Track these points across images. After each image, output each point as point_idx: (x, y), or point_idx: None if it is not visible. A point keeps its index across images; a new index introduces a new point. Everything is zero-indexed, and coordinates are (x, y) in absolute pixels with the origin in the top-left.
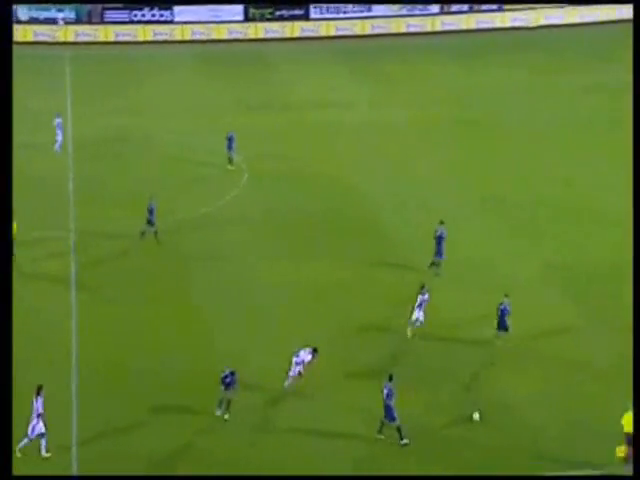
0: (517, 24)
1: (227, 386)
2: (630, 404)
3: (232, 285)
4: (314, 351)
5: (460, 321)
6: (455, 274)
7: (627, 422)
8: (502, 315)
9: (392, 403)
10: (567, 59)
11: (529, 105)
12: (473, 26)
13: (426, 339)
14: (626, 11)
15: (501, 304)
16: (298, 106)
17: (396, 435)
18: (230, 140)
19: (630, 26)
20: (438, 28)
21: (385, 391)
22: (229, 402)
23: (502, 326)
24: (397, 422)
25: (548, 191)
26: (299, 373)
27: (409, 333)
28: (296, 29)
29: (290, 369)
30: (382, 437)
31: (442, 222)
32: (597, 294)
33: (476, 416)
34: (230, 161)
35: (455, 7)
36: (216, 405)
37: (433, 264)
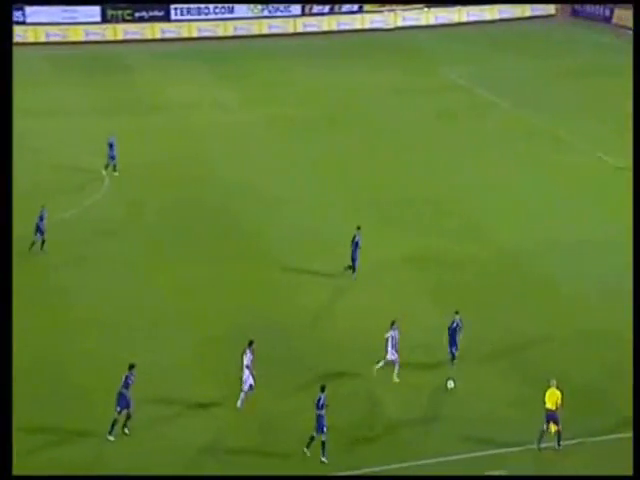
0: (376, 25)
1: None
2: (554, 381)
3: (103, 290)
4: (250, 345)
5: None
6: (330, 271)
7: (549, 399)
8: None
9: (323, 413)
10: (423, 60)
11: (389, 104)
12: (334, 27)
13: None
14: (480, 14)
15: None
16: (164, 108)
17: (320, 450)
18: (111, 146)
19: (487, 27)
20: (300, 29)
21: (319, 402)
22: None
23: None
24: (325, 436)
25: (413, 187)
26: (250, 387)
27: (375, 372)
28: (156, 30)
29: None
30: (308, 454)
31: (359, 228)
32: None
33: (450, 384)
34: (108, 167)
35: (316, 9)
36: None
37: (349, 268)
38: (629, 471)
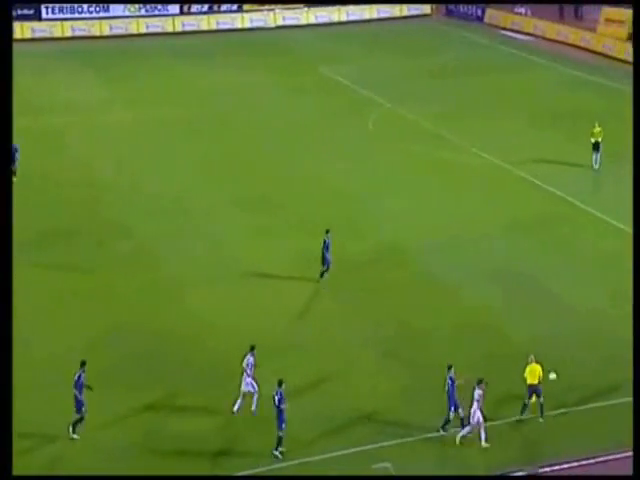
0: (256, 25)
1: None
2: (532, 356)
3: None
4: (251, 350)
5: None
6: (215, 272)
7: (531, 374)
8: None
9: (284, 408)
10: (304, 59)
11: (272, 102)
12: (214, 27)
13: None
14: (360, 13)
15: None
16: (39, 110)
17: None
18: (14, 152)
19: (367, 26)
20: (179, 29)
21: (277, 397)
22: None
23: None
24: (283, 432)
25: (299, 186)
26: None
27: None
28: (26, 30)
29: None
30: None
31: (328, 231)
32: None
33: (552, 375)
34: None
35: (195, 8)
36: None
37: (325, 271)
38: None
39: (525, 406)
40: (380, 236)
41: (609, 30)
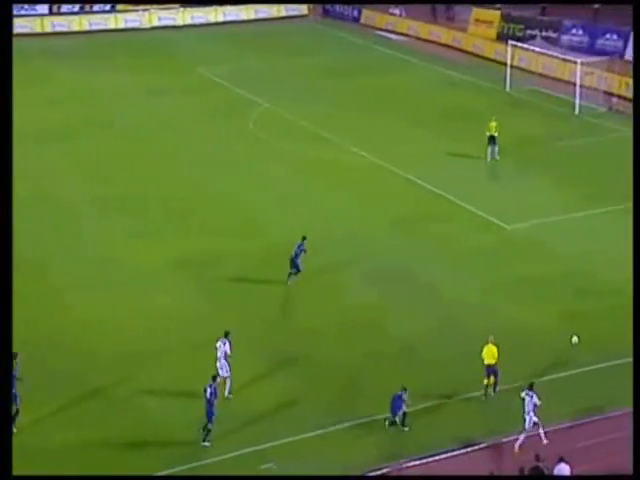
0: (130, 25)
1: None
2: (492, 337)
3: None
4: (226, 336)
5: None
6: (88, 274)
7: (487, 355)
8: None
9: (214, 401)
10: (181, 59)
11: (149, 104)
12: (85, 27)
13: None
14: (237, 13)
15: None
16: None
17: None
18: None
19: (244, 27)
20: (48, 29)
21: (209, 390)
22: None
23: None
24: (212, 424)
25: (181, 186)
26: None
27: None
28: None
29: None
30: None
31: (304, 238)
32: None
33: (575, 339)
34: None
35: (65, 7)
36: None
37: (294, 274)
38: None
39: (486, 387)
40: (262, 237)
41: (479, 30)
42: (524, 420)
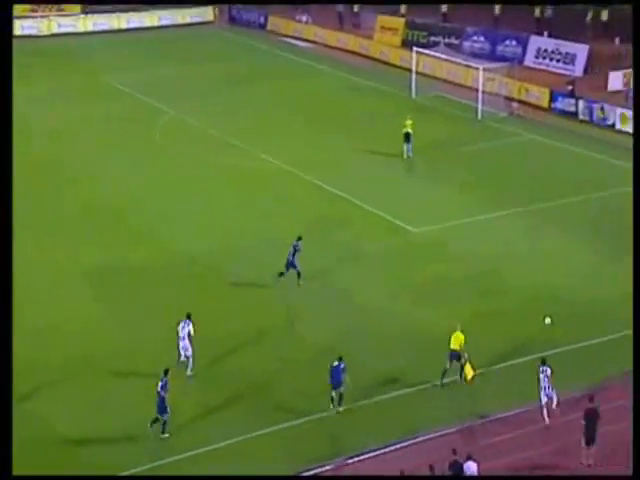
0: (28, 32)
1: None
2: (459, 325)
3: None
4: (188, 318)
5: None
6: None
7: (455, 341)
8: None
9: (166, 395)
10: (84, 67)
11: (56, 112)
12: None
13: None
14: (140, 20)
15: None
16: None
17: (159, 428)
18: None
19: (148, 33)
20: None
21: (160, 384)
22: None
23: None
24: (167, 416)
25: (91, 197)
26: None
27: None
28: None
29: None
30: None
31: (300, 238)
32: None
33: (548, 320)
34: None
35: None
36: None
37: (282, 275)
38: None
39: (445, 370)
40: (163, 245)
41: (385, 37)
42: (540, 395)
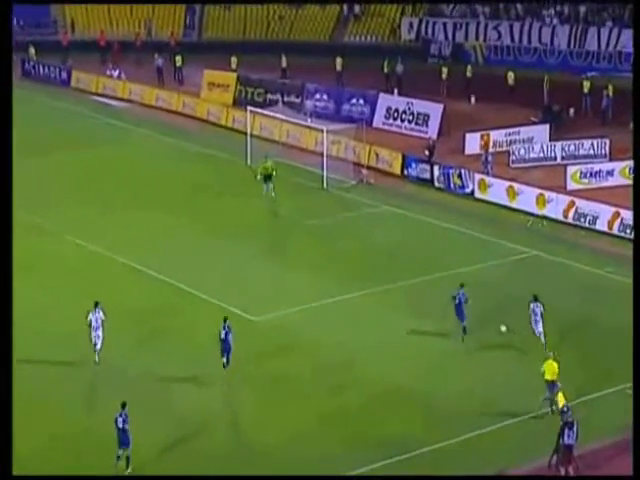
0: None
1: None
2: (551, 353)
3: None
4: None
5: None
6: None
7: (548, 370)
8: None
9: (128, 428)
10: None
11: None
12: None
13: None
14: None
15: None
16: None
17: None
18: None
19: None
20: None
21: (120, 419)
22: None
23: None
24: (129, 450)
25: None
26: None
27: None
28: None
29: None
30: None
31: (462, 285)
32: None
33: (503, 328)
34: None
35: None
36: None
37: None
38: None
39: (551, 400)
40: None
41: (213, 95)
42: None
